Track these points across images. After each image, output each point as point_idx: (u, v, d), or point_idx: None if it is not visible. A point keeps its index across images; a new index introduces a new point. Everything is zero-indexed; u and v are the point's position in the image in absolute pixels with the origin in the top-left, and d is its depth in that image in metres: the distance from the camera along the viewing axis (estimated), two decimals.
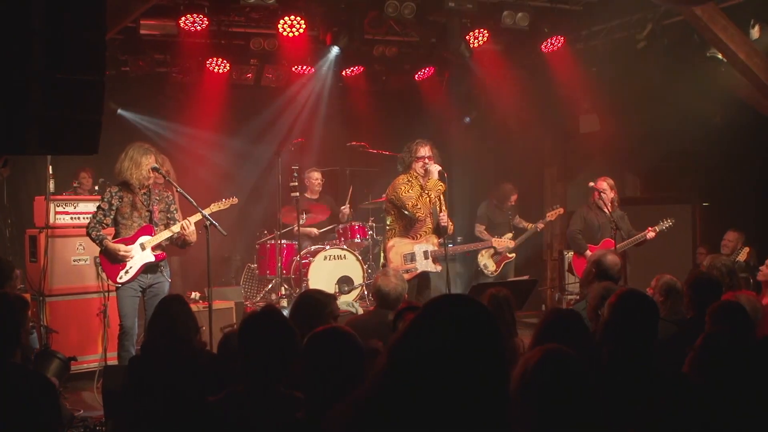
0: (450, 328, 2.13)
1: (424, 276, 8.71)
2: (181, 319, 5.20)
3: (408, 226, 8.69)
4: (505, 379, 2.20)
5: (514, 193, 11.83)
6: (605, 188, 9.97)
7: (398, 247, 8.63)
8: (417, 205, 8.49)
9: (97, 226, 7.65)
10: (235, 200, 8.35)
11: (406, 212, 8.58)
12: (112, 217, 7.69)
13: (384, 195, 9.05)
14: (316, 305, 5.24)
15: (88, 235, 7.67)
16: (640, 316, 4.09)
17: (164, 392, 4.84)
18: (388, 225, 8.78)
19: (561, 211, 11.33)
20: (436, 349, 2.10)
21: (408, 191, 8.56)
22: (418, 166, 8.69)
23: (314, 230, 11.65)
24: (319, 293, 5.60)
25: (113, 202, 7.67)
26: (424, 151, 8.72)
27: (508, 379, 2.26)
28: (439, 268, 8.76)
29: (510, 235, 11.19)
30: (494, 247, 10.21)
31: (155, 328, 5.23)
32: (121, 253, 7.58)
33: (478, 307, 2.21)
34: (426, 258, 8.65)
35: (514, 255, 11.32)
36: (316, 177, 11.90)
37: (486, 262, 11.07)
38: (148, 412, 4.80)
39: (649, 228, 9.98)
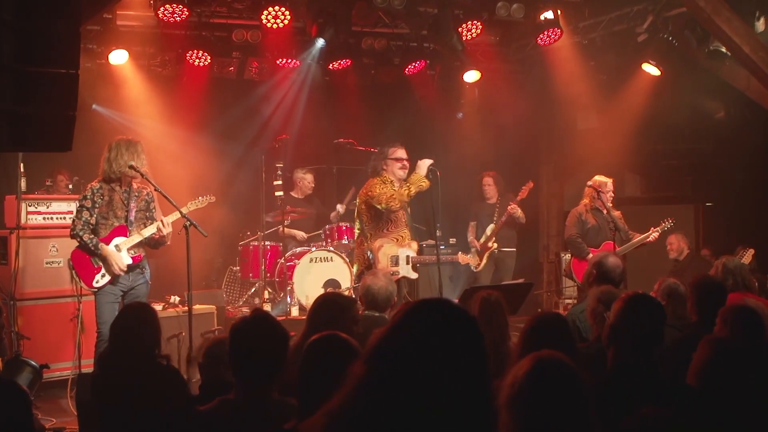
0: (427, 334, 2.12)
1: (403, 281, 8.77)
2: (136, 330, 5.12)
3: (382, 227, 8.71)
4: (489, 387, 2.19)
5: (489, 181, 11.72)
6: (605, 187, 9.97)
7: (386, 248, 8.68)
8: (393, 196, 8.51)
9: (85, 227, 7.52)
10: (213, 198, 8.29)
11: (379, 207, 8.59)
12: (96, 215, 7.59)
13: (357, 198, 9.03)
14: (336, 309, 5.24)
15: (77, 236, 7.52)
16: (647, 321, 4.11)
17: (122, 405, 4.80)
18: (366, 227, 8.78)
19: (531, 184, 11.24)
20: (413, 356, 2.09)
21: (382, 188, 8.61)
22: (395, 168, 8.71)
23: (302, 233, 11.63)
24: (339, 296, 5.61)
25: (96, 199, 7.58)
26: (402, 153, 8.75)
27: (492, 387, 2.25)
28: (415, 275, 8.87)
29: (489, 228, 11.23)
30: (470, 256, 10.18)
31: (111, 340, 5.17)
32: (116, 260, 7.50)
33: (456, 312, 2.20)
34: (407, 263, 8.73)
35: (495, 245, 11.28)
36: (309, 180, 11.92)
37: (468, 261, 10.98)
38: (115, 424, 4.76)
39: (652, 228, 9.99)
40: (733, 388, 3.56)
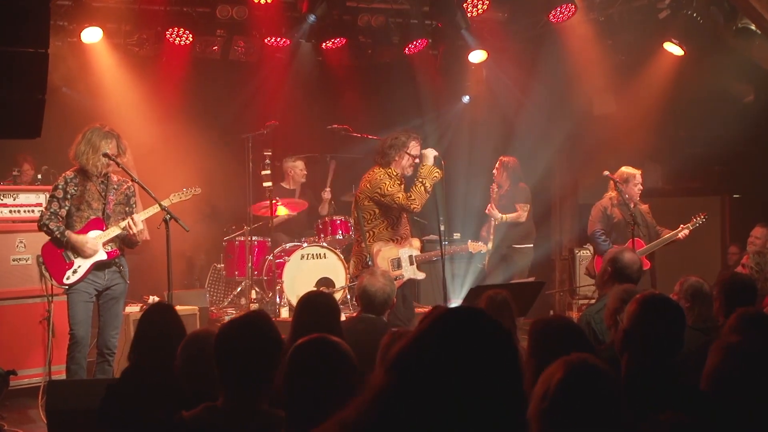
0: (459, 345, 2.13)
1: (408, 284, 8.75)
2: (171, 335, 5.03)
3: (390, 225, 8.68)
4: (522, 402, 2.21)
5: (497, 165, 11.46)
6: (633, 179, 9.98)
7: (384, 251, 8.62)
8: (411, 196, 8.47)
9: (53, 217, 7.52)
10: (199, 190, 8.26)
11: (395, 206, 8.54)
12: (67, 207, 7.56)
13: (357, 192, 8.96)
14: (322, 310, 5.24)
15: (44, 227, 7.52)
16: (664, 325, 4.06)
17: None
18: (368, 225, 8.71)
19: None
20: (442, 367, 2.09)
21: (392, 186, 8.54)
22: (407, 164, 8.69)
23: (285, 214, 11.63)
24: (324, 296, 5.62)
25: (69, 189, 7.57)
26: (418, 149, 8.72)
27: (525, 402, 2.26)
28: (422, 275, 8.82)
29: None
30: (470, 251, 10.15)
31: (143, 346, 5.05)
32: (89, 245, 7.50)
33: (490, 323, 2.21)
34: (411, 264, 8.71)
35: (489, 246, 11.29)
36: (300, 167, 11.92)
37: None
38: None
39: (682, 225, 9.99)
40: (750, 395, 3.57)
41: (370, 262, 8.47)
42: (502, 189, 11.45)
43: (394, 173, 8.63)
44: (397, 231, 8.74)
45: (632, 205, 9.88)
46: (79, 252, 7.54)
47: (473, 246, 9.96)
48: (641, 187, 10.05)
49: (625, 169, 10.14)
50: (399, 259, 8.65)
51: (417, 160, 8.69)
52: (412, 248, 8.80)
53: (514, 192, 11.34)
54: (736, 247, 11.23)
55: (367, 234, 8.64)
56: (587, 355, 2.94)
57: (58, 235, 7.51)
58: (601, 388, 2.81)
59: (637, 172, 10.10)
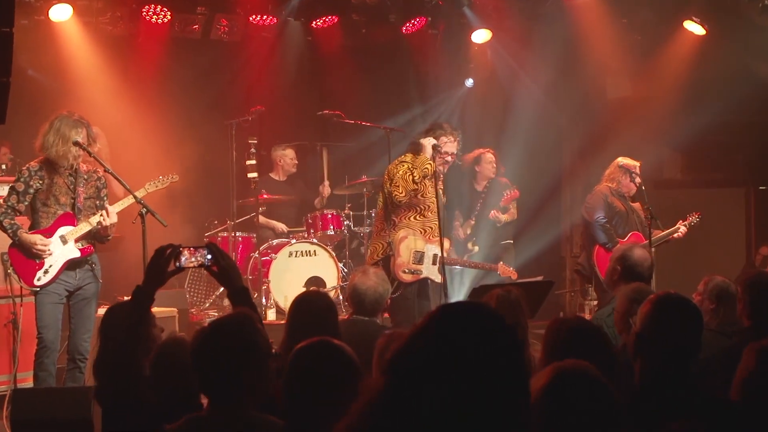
0: (460, 342, 2.11)
1: (425, 283, 8.76)
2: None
3: (409, 215, 8.74)
4: (527, 402, 2.20)
5: (490, 158, 11.38)
6: (636, 169, 9.99)
7: (410, 240, 8.68)
8: (396, 183, 8.54)
9: (9, 212, 7.49)
10: (176, 177, 8.26)
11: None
12: (27, 202, 7.54)
13: (385, 174, 8.99)
14: (319, 311, 5.24)
15: None
16: (680, 328, 4.05)
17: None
18: (389, 211, 8.75)
19: (516, 194, 11.09)
20: (443, 367, 2.08)
21: (404, 174, 8.59)
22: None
23: (282, 226, 11.60)
24: (320, 296, 5.61)
25: (32, 183, 7.53)
26: (453, 146, 8.76)
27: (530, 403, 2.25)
28: (440, 279, 8.80)
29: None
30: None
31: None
32: (38, 246, 7.43)
33: (494, 317, 2.19)
34: (434, 264, 8.72)
35: (476, 247, 11.24)
36: (291, 156, 11.88)
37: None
38: None
39: (680, 222, 9.99)
40: None
41: (391, 244, 8.55)
42: (481, 185, 11.36)
43: (417, 164, 8.65)
44: (421, 222, 8.81)
45: (628, 199, 9.94)
46: (26, 253, 7.50)
47: (503, 269, 9.94)
48: (639, 180, 10.03)
49: (623, 160, 10.13)
50: (423, 253, 8.67)
51: (449, 158, 8.75)
52: (439, 248, 8.77)
53: (499, 188, 11.26)
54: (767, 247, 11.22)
55: (392, 219, 8.76)
56: (582, 362, 2.94)
57: (11, 234, 7.50)
58: (587, 400, 2.81)
59: (636, 164, 10.08)
